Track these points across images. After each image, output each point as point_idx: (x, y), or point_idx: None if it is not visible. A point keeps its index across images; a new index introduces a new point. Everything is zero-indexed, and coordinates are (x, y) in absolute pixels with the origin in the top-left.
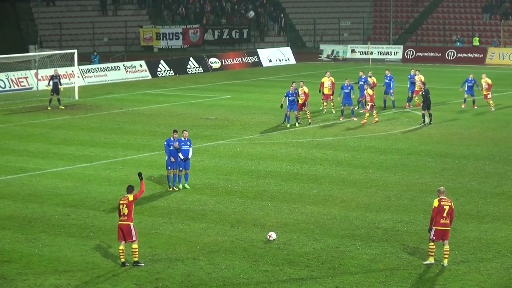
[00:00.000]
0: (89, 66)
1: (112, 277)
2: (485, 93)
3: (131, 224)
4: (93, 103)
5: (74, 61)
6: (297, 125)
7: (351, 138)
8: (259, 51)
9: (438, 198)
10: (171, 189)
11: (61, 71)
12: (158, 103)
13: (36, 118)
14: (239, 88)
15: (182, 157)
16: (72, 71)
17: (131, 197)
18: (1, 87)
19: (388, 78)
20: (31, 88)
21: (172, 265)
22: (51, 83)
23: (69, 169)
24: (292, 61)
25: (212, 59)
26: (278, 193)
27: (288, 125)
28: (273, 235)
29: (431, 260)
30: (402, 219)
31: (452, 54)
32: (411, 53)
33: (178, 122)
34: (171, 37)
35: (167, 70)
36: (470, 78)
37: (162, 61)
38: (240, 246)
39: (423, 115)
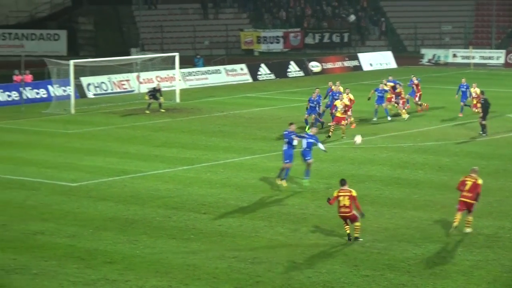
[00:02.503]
0: (190, 69)
1: (212, 279)
2: (475, 102)
3: (353, 212)
4: (194, 106)
5: (175, 64)
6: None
7: (452, 143)
8: (359, 55)
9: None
10: (279, 182)
11: (162, 74)
12: (259, 107)
13: (137, 120)
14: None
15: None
16: (174, 74)
17: (354, 192)
18: (103, 89)
19: (379, 92)
20: (133, 90)
21: (272, 268)
22: (150, 94)
23: (170, 172)
24: (393, 65)
25: (313, 63)
26: (379, 198)
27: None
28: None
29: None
30: (505, 225)
31: None
32: None
33: (278, 125)
34: (271, 41)
35: (268, 74)
36: (463, 83)
37: (262, 65)
38: (340, 250)
39: (483, 125)
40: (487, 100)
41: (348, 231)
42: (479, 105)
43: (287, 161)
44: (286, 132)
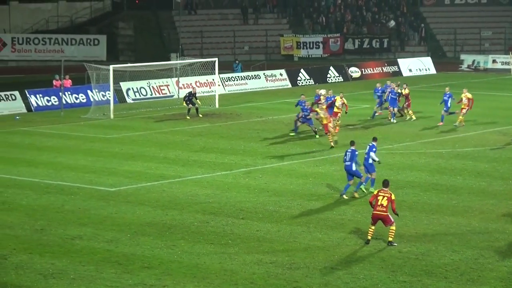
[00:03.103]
0: (230, 75)
1: (249, 284)
2: (462, 106)
3: (388, 214)
4: (233, 111)
5: (214, 69)
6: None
7: (490, 149)
8: (399, 60)
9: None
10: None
11: (202, 79)
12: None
13: (176, 125)
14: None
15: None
16: (213, 80)
17: (393, 196)
18: (142, 94)
19: (393, 94)
20: (172, 96)
21: (310, 273)
22: (186, 98)
23: (209, 177)
24: (432, 71)
25: (352, 68)
26: (417, 204)
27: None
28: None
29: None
30: None
31: None
32: None
33: (318, 130)
34: (311, 46)
35: (307, 79)
36: (446, 92)
37: (302, 70)
38: (378, 256)
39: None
40: None
41: (369, 236)
42: (464, 110)
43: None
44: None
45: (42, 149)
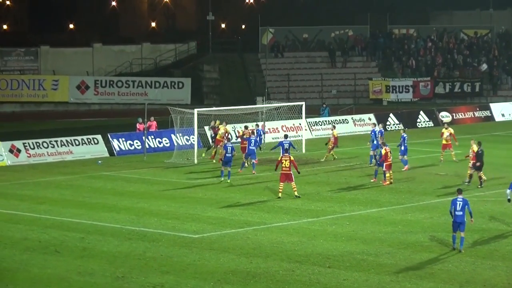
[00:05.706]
0: (317, 119)
1: None
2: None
3: None
4: (320, 156)
5: (301, 113)
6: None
7: None
8: (491, 105)
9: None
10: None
11: (289, 123)
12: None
13: (261, 171)
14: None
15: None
16: (300, 124)
17: None
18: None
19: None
20: None
21: None
22: (212, 135)
23: (295, 224)
24: None
25: (443, 113)
26: (510, 253)
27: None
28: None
29: None
30: None
31: None
32: None
33: (406, 177)
34: (401, 90)
35: (397, 124)
36: (403, 135)
37: (391, 114)
38: None
39: (471, 176)
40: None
41: None
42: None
43: None
44: None
45: (124, 194)
